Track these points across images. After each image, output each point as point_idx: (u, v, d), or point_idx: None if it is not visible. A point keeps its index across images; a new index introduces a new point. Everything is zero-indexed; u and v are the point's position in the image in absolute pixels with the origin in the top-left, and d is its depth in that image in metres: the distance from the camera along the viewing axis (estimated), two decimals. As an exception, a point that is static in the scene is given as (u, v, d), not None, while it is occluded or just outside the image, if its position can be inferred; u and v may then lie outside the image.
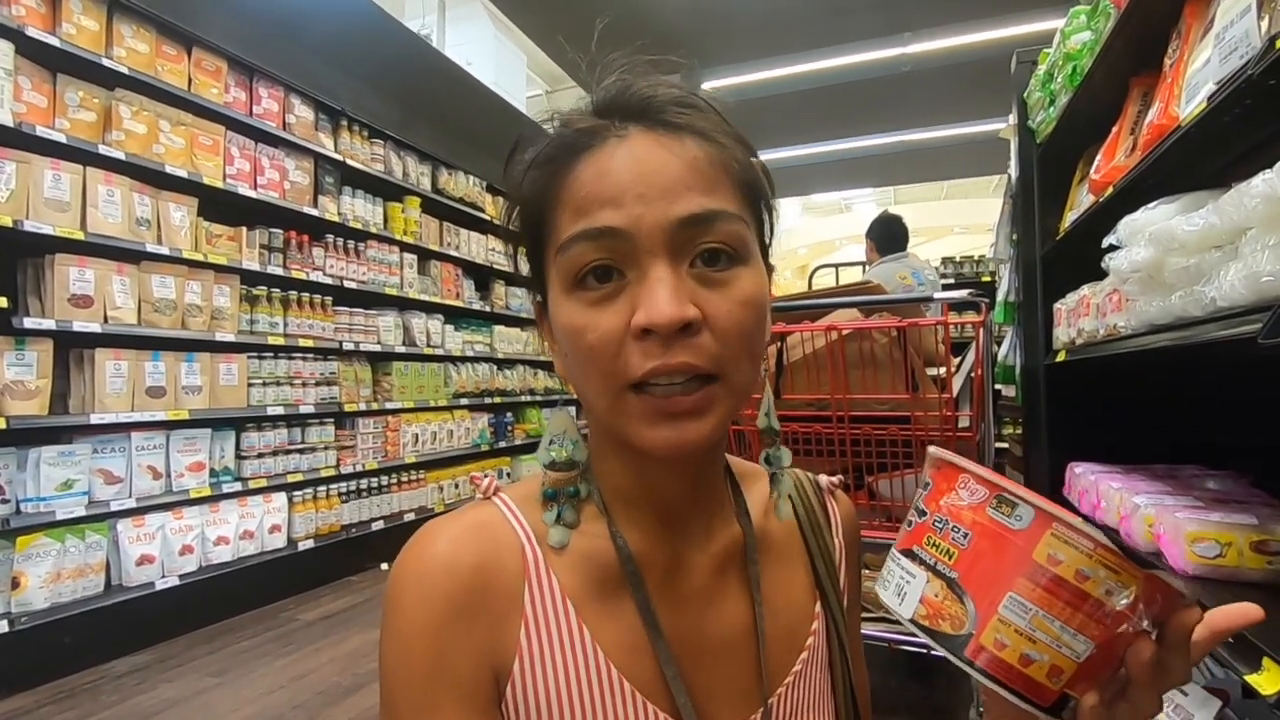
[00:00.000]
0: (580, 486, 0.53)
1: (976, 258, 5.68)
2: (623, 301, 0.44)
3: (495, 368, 5.20)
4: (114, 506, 2.69)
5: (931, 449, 0.42)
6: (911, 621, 0.37)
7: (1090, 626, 0.34)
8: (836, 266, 5.87)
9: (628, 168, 0.43)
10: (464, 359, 4.88)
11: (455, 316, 4.83)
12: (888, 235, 3.50)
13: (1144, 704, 0.37)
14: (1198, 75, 1.05)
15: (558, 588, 0.49)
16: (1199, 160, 1.23)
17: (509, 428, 5.32)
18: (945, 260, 5.74)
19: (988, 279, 4.93)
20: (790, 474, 0.62)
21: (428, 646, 0.45)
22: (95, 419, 2.62)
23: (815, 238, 14.24)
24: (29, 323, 2.45)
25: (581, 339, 0.44)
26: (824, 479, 0.65)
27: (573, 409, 0.55)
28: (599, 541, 0.51)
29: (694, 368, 0.42)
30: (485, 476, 0.57)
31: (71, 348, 2.67)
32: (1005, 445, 3.61)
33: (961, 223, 13.11)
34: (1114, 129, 1.52)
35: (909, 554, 0.39)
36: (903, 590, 0.38)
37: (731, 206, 0.45)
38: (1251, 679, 0.84)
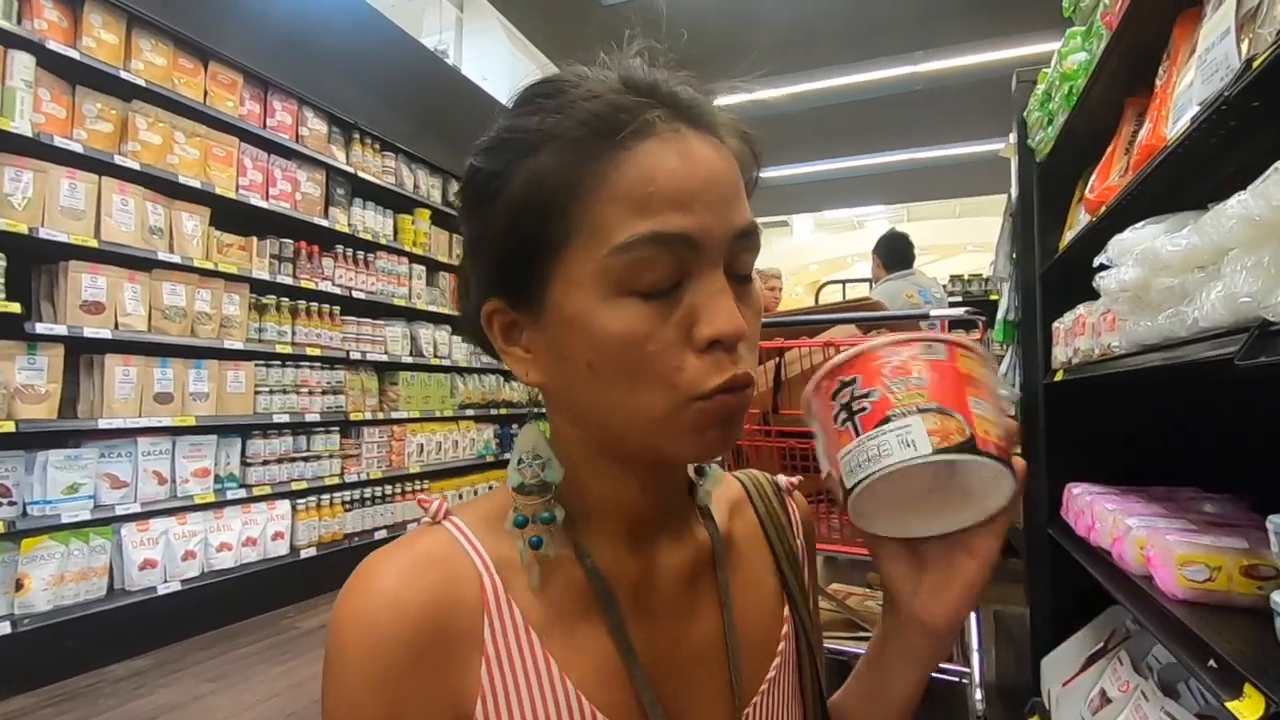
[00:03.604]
0: (555, 512, 0.47)
1: (985, 276, 5.64)
2: (681, 311, 0.41)
3: (501, 379, 5.22)
4: (119, 511, 2.72)
5: (831, 362, 0.46)
6: (935, 451, 0.41)
7: (995, 400, 0.45)
8: (844, 283, 5.85)
9: (692, 170, 0.40)
10: (470, 370, 4.91)
11: (463, 328, 4.85)
12: (894, 252, 3.49)
13: None
14: (1184, 96, 1.04)
15: (520, 618, 0.45)
16: (1189, 181, 1.22)
17: (514, 439, 5.32)
18: (953, 278, 5.69)
19: (995, 297, 4.89)
20: (746, 474, 0.62)
21: (376, 700, 0.40)
22: (103, 424, 2.66)
23: (827, 254, 14.20)
24: (41, 328, 2.49)
25: (639, 349, 0.40)
26: (783, 479, 0.64)
27: (542, 424, 0.51)
28: (562, 564, 0.47)
29: (752, 379, 0.43)
30: (434, 498, 0.51)
31: (82, 353, 2.71)
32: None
33: (975, 241, 13.00)
34: (1109, 149, 1.51)
35: (885, 421, 0.43)
36: (907, 439, 0.42)
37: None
38: (1232, 705, 0.82)
